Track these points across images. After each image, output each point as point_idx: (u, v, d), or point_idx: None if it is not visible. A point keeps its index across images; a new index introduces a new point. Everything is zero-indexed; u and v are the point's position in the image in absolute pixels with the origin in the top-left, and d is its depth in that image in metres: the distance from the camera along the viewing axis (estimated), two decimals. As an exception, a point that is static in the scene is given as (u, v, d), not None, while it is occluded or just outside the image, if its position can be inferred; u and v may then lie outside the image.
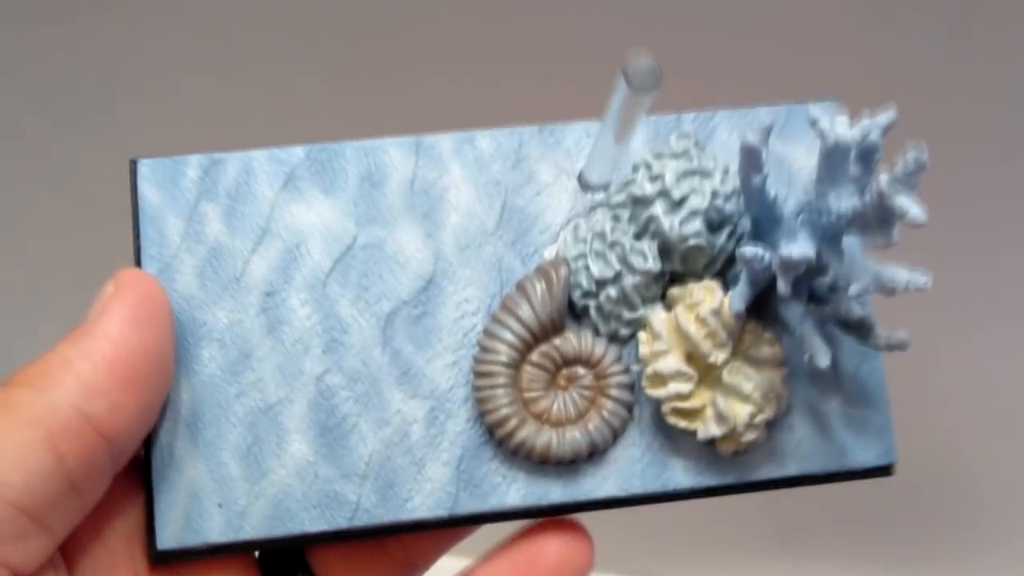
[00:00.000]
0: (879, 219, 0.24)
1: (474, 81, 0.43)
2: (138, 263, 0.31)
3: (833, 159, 0.26)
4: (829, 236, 0.27)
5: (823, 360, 0.28)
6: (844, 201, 0.26)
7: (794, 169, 0.33)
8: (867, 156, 0.26)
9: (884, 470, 0.32)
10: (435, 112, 0.40)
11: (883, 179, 0.24)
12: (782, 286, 0.27)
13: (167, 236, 0.31)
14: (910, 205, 0.23)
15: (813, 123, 0.26)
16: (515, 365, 0.30)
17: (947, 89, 0.45)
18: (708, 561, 0.58)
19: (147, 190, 0.31)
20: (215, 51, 0.46)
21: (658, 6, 0.42)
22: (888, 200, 0.23)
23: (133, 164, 0.32)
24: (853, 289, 0.26)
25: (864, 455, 0.31)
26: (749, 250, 0.27)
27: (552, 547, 0.30)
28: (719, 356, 0.29)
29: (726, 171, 0.31)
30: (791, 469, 0.31)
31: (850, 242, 0.30)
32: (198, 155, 0.32)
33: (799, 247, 0.26)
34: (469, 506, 0.30)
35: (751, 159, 0.27)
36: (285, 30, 0.44)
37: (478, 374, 0.30)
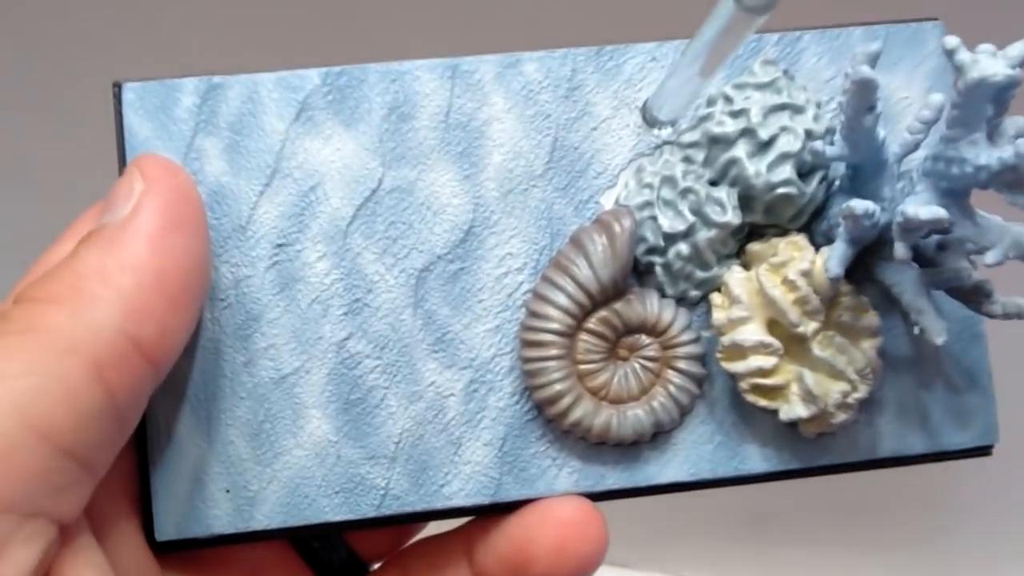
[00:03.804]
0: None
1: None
2: (126, 207, 0.26)
3: (973, 99, 0.21)
4: (959, 191, 0.22)
5: (939, 338, 0.24)
6: (985, 152, 0.21)
7: (891, 103, 0.28)
8: (1002, 95, 0.22)
9: (982, 450, 0.28)
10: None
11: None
12: (901, 250, 0.22)
13: (159, 176, 0.26)
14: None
15: (950, 53, 0.21)
16: (570, 333, 0.26)
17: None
18: (673, 548, 0.55)
19: (134, 120, 0.27)
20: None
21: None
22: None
23: (117, 89, 0.27)
24: (991, 256, 0.22)
25: (961, 436, 0.28)
26: (860, 205, 0.23)
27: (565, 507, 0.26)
28: (810, 326, 0.25)
29: (819, 106, 0.27)
30: (882, 451, 0.27)
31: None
32: (194, 79, 0.27)
33: (929, 207, 0.21)
34: (514, 492, 0.26)
35: (865, 93, 0.23)
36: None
37: (526, 343, 0.26)
